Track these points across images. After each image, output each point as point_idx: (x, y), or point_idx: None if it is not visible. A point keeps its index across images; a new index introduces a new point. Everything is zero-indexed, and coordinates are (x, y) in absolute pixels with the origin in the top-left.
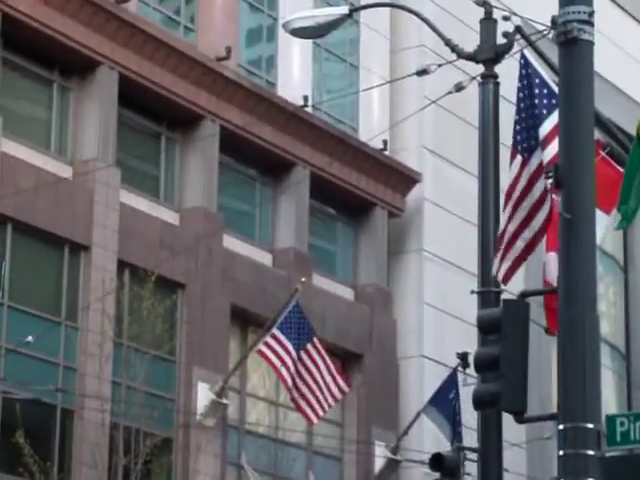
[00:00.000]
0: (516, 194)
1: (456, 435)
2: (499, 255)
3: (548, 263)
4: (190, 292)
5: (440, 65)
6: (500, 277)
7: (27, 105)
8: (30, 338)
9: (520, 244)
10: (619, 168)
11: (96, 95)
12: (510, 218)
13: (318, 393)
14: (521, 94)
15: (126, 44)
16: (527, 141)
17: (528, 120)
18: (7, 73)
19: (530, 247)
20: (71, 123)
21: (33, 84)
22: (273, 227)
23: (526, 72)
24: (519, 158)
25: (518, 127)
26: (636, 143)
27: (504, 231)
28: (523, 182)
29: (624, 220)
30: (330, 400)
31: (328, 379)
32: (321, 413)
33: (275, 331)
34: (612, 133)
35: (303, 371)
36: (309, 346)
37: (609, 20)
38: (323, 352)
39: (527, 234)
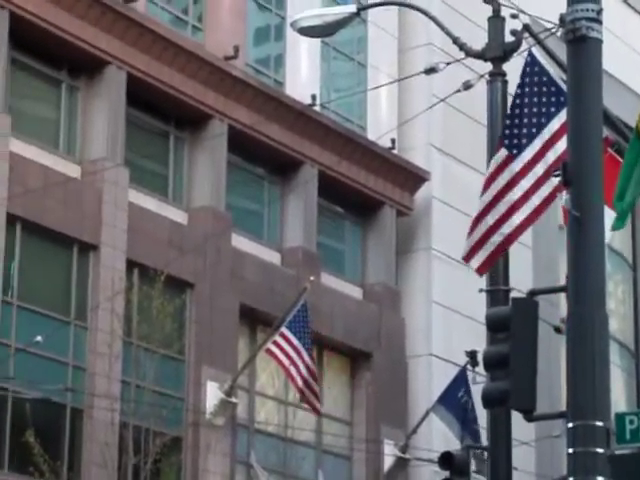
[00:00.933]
0: (497, 186)
1: (472, 433)
2: (473, 239)
3: None
4: (199, 291)
5: (448, 63)
6: (474, 266)
7: (35, 105)
8: (39, 338)
9: (498, 238)
10: None
11: (104, 95)
12: (490, 207)
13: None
14: (519, 90)
15: (134, 44)
16: (517, 138)
17: (523, 117)
18: (15, 73)
19: (507, 243)
20: (79, 123)
21: (41, 84)
22: (281, 226)
23: (530, 70)
24: (504, 152)
25: (509, 122)
26: (635, 137)
27: (480, 216)
28: (507, 177)
29: (620, 220)
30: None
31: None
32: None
33: (284, 330)
34: (619, 130)
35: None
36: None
37: (616, 17)
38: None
39: (505, 230)
